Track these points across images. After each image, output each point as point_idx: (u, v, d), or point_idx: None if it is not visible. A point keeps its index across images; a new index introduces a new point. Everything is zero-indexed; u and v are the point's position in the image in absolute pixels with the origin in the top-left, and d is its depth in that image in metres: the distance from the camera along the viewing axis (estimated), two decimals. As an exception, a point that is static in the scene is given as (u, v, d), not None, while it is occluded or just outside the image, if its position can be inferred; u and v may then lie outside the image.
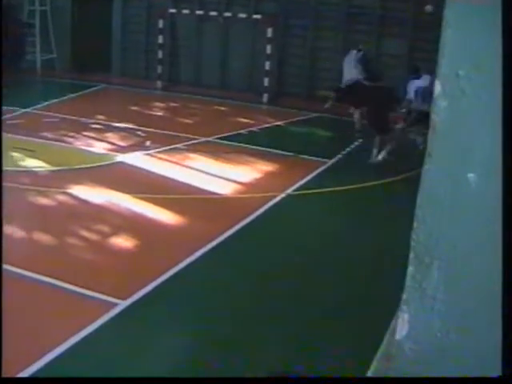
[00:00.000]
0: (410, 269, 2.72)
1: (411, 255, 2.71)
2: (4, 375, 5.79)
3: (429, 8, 18.65)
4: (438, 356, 2.73)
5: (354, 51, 16.97)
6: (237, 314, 7.86)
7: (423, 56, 18.64)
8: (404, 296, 2.81)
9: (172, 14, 22.32)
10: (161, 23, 22.07)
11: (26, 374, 6.13)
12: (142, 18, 23.46)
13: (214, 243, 9.65)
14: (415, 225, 2.69)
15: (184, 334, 7.43)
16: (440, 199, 2.55)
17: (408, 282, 2.75)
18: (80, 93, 21.23)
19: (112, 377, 6.11)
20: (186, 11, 21.91)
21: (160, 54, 22.40)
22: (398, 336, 2.84)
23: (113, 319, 7.35)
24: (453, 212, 2.54)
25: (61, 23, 24.24)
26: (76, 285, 8.02)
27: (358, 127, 15.83)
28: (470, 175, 2.45)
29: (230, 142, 15.74)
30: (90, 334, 6.99)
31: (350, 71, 16.32)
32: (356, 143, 16.13)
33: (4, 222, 9.71)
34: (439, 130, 2.54)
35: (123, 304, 7.65)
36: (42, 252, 9.20)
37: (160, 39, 22.21)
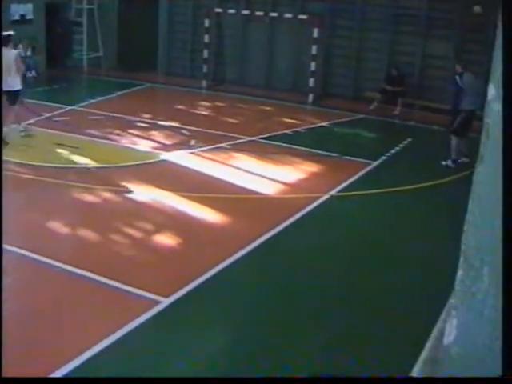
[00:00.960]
0: (460, 273, 2.68)
1: (461, 259, 2.67)
2: (40, 371, 5.88)
3: (477, 9, 18.41)
4: (485, 362, 2.68)
5: (472, 75, 14.59)
6: (280, 313, 7.85)
7: (470, 58, 18.46)
8: (452, 301, 2.76)
9: (218, 13, 22.41)
10: (207, 23, 22.18)
11: (66, 369, 6.18)
12: (188, 17, 23.61)
13: (257, 243, 9.65)
14: (465, 228, 2.65)
15: (225, 332, 7.43)
16: (491, 203, 2.50)
17: (457, 286, 2.70)
18: (126, 91, 21.44)
19: (135, 377, 6.15)
20: (231, 11, 21.99)
21: (205, 54, 22.51)
22: (445, 341, 2.80)
23: (155, 317, 7.37)
24: (505, 216, 2.50)
25: (107, 22, 24.52)
26: (119, 281, 8.07)
27: (465, 151, 14.14)
28: (523, 179, 2.40)
29: (274, 142, 15.73)
30: (133, 331, 7.03)
31: (475, 98, 14.00)
32: (401, 145, 16.02)
33: (49, 217, 9.74)
34: (492, 133, 2.50)
35: (166, 302, 7.67)
36: (86, 248, 9.28)
37: (206, 38, 22.32)
